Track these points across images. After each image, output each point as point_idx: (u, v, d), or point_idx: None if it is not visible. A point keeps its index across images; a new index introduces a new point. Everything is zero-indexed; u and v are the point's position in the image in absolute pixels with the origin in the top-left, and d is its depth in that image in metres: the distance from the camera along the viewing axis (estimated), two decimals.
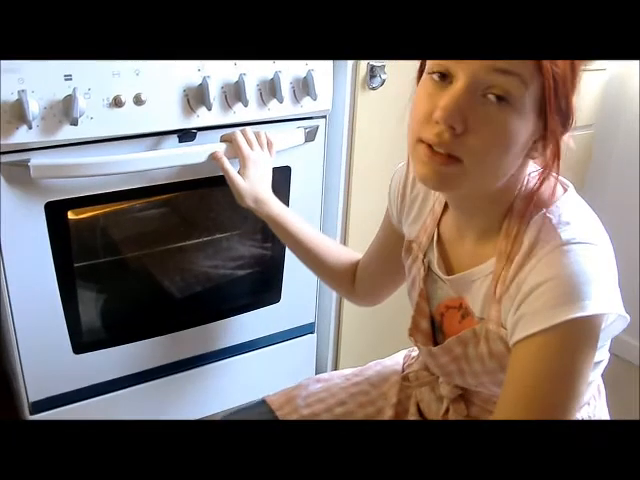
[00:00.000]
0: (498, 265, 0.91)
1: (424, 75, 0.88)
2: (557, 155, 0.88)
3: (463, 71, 0.82)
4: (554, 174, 0.94)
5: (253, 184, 1.34)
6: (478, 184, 0.88)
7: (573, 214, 0.89)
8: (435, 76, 0.85)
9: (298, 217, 1.35)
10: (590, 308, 0.80)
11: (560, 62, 0.81)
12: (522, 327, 0.85)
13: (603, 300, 0.82)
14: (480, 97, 0.82)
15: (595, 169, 2.30)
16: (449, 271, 1.02)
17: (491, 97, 0.81)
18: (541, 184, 0.90)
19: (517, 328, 0.86)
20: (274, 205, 1.35)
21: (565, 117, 0.86)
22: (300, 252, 1.33)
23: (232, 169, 1.35)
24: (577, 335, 0.82)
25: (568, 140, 0.90)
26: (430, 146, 0.85)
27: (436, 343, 1.07)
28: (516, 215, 0.91)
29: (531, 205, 0.90)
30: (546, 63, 0.80)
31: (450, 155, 0.84)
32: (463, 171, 0.85)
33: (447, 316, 1.04)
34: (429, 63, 0.87)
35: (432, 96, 0.85)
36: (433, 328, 1.08)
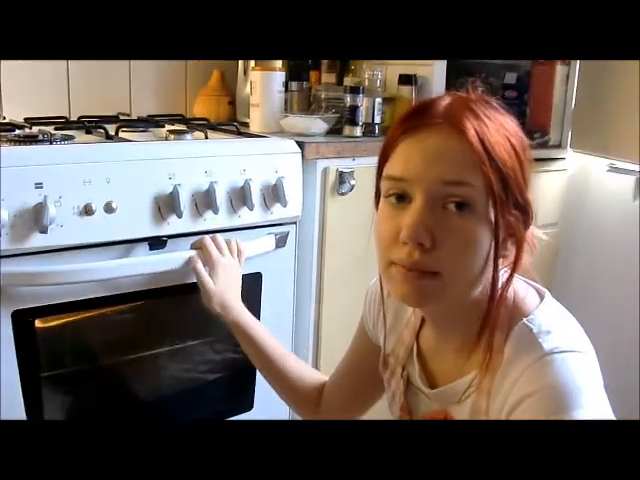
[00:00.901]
0: (482, 378, 0.90)
1: (381, 200, 0.90)
2: (520, 250, 0.88)
3: (419, 189, 0.84)
4: (529, 280, 0.95)
5: (222, 289, 1.33)
6: (458, 293, 0.88)
7: (553, 322, 0.88)
8: (393, 199, 0.87)
9: (265, 329, 1.32)
10: (580, 419, 0.78)
11: (507, 159, 0.84)
12: None
13: (592, 409, 0.80)
14: (441, 209, 0.84)
15: (562, 267, 2.33)
16: (431, 383, 1.00)
17: (451, 207, 0.83)
18: (508, 283, 0.90)
19: None
20: (241, 312, 1.32)
21: (524, 212, 0.88)
22: (262, 364, 1.29)
23: (204, 272, 1.34)
24: None
25: (537, 234, 0.92)
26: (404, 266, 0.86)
27: None
28: (494, 326, 0.89)
29: (509, 315, 0.90)
30: (488, 168, 0.82)
31: (426, 271, 0.84)
32: (442, 283, 0.85)
33: None
34: (384, 188, 0.89)
35: (394, 218, 0.86)
36: None
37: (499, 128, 0.86)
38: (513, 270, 0.90)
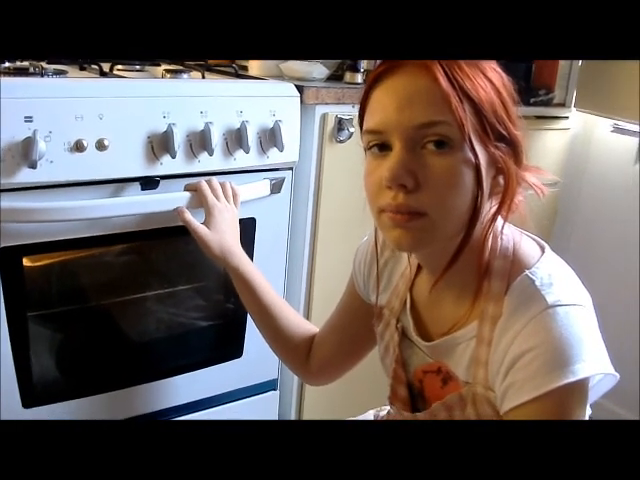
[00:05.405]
0: (482, 328, 0.90)
1: (366, 153, 0.91)
2: (509, 185, 0.88)
3: (395, 136, 0.84)
4: (527, 233, 0.95)
5: (219, 234, 1.30)
6: (450, 233, 0.88)
7: (555, 275, 0.88)
8: (375, 150, 0.88)
9: (262, 276, 1.30)
10: (581, 372, 0.80)
11: (482, 91, 0.84)
12: (513, 395, 0.83)
13: (593, 361, 0.82)
14: (420, 150, 0.84)
15: (560, 228, 2.32)
16: (426, 337, 1.00)
17: (430, 146, 0.83)
18: (494, 217, 0.90)
19: (507, 396, 0.84)
20: (240, 258, 1.30)
21: (511, 145, 0.87)
22: (257, 311, 1.28)
23: (195, 221, 1.31)
24: (569, 399, 0.82)
25: (534, 181, 0.92)
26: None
27: (415, 409, 1.04)
28: (495, 275, 0.90)
29: (510, 265, 0.90)
30: (457, 101, 0.82)
31: (413, 212, 0.85)
32: (431, 223, 0.85)
33: (426, 382, 1.01)
34: (365, 141, 0.90)
35: (378, 168, 0.87)
36: (410, 394, 1.05)
37: (473, 64, 0.85)
38: (501, 204, 0.89)
